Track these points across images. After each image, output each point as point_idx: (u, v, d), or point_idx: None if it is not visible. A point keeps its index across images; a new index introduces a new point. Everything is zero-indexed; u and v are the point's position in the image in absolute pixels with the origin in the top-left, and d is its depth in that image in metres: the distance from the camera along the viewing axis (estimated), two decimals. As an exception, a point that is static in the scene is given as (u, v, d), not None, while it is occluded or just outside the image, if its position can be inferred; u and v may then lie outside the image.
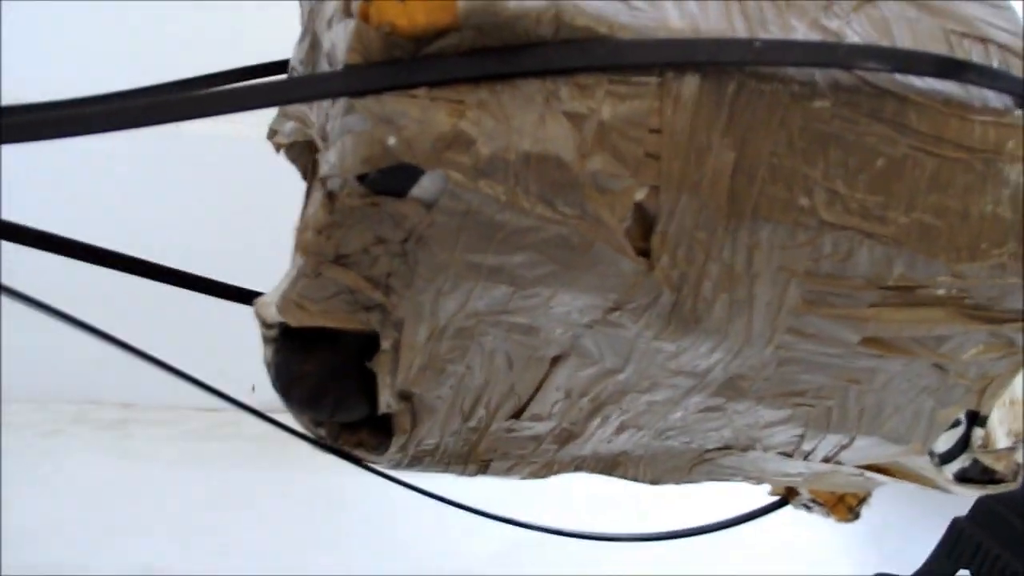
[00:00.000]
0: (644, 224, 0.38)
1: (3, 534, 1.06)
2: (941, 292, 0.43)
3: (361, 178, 0.37)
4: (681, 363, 0.44)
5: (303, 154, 0.56)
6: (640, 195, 0.37)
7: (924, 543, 0.90)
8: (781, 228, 0.40)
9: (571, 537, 0.72)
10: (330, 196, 0.39)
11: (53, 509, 1.15)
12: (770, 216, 0.39)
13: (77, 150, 1.27)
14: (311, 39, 0.47)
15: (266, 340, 0.47)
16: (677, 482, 0.57)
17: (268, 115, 1.22)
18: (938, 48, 0.42)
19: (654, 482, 0.56)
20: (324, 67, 0.45)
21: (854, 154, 0.39)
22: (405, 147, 0.35)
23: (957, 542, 0.93)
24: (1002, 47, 0.44)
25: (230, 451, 1.24)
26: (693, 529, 0.73)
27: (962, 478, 0.58)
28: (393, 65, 0.35)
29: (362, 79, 0.35)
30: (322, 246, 0.39)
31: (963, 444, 0.54)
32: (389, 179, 0.37)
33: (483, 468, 0.51)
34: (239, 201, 1.36)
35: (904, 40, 0.41)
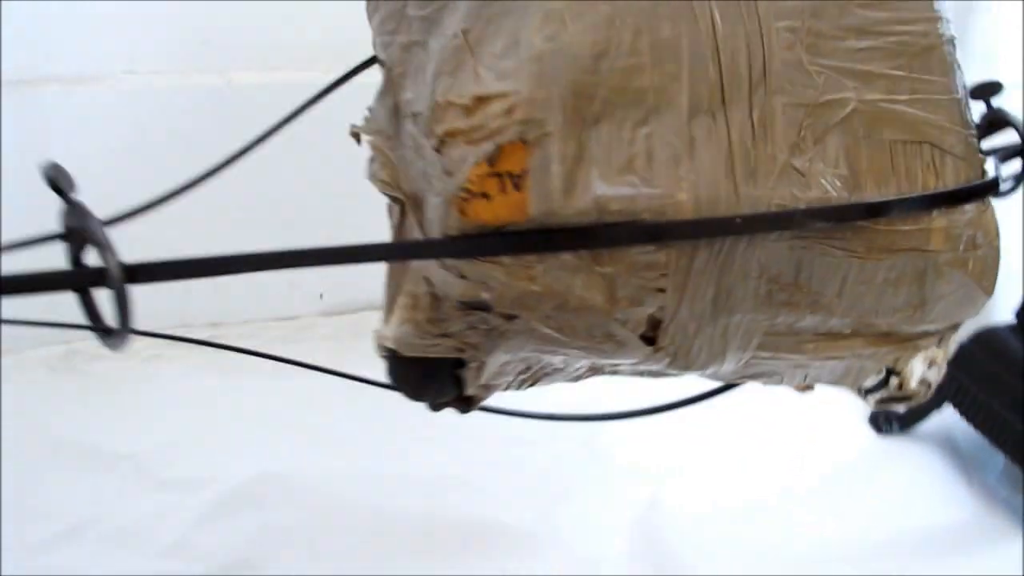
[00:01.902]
0: (652, 320, 0.57)
1: (132, 454, 1.30)
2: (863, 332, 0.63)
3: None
4: None
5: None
6: (650, 311, 0.56)
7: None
8: (748, 315, 0.59)
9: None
10: (434, 297, 0.58)
11: (166, 427, 1.38)
12: (742, 311, 0.58)
13: (125, 94, 1.40)
14: (393, 104, 0.63)
15: (381, 354, 0.67)
16: None
17: (312, 60, 1.34)
18: (882, 163, 0.57)
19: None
20: (407, 144, 0.61)
21: (803, 268, 0.58)
22: (493, 300, 0.54)
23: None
24: (934, 146, 0.59)
25: (310, 352, 1.43)
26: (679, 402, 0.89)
27: (882, 402, 0.79)
28: (483, 238, 0.53)
29: (460, 248, 0.54)
30: (427, 329, 0.60)
31: (883, 384, 0.75)
32: (481, 302, 0.56)
33: (533, 385, 0.71)
34: (290, 148, 1.50)
35: (854, 166, 0.57)
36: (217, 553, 1.16)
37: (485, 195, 0.52)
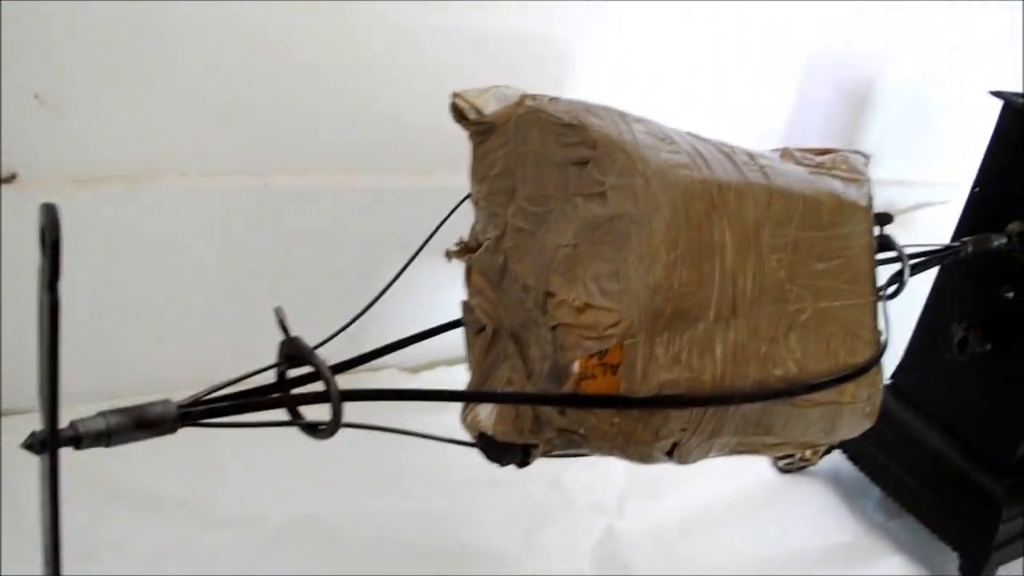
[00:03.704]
0: (672, 444, 0.91)
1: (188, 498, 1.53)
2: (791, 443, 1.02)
3: None
4: None
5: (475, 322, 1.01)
6: (674, 440, 0.90)
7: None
8: (727, 437, 0.93)
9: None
10: (537, 417, 0.93)
11: (215, 473, 1.59)
12: (726, 435, 0.93)
13: (178, 193, 1.59)
14: (503, 263, 0.94)
15: (471, 432, 0.99)
16: None
17: (336, 165, 1.64)
18: (822, 348, 0.94)
19: None
20: (512, 295, 0.92)
21: (765, 414, 0.93)
22: (584, 433, 0.87)
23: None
24: (855, 335, 0.96)
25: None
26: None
27: (786, 468, 1.21)
28: (590, 397, 0.87)
29: (575, 402, 0.86)
30: (525, 434, 0.91)
31: (788, 455, 1.15)
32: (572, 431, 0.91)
33: None
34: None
35: (805, 351, 0.92)
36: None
37: (593, 376, 0.86)
